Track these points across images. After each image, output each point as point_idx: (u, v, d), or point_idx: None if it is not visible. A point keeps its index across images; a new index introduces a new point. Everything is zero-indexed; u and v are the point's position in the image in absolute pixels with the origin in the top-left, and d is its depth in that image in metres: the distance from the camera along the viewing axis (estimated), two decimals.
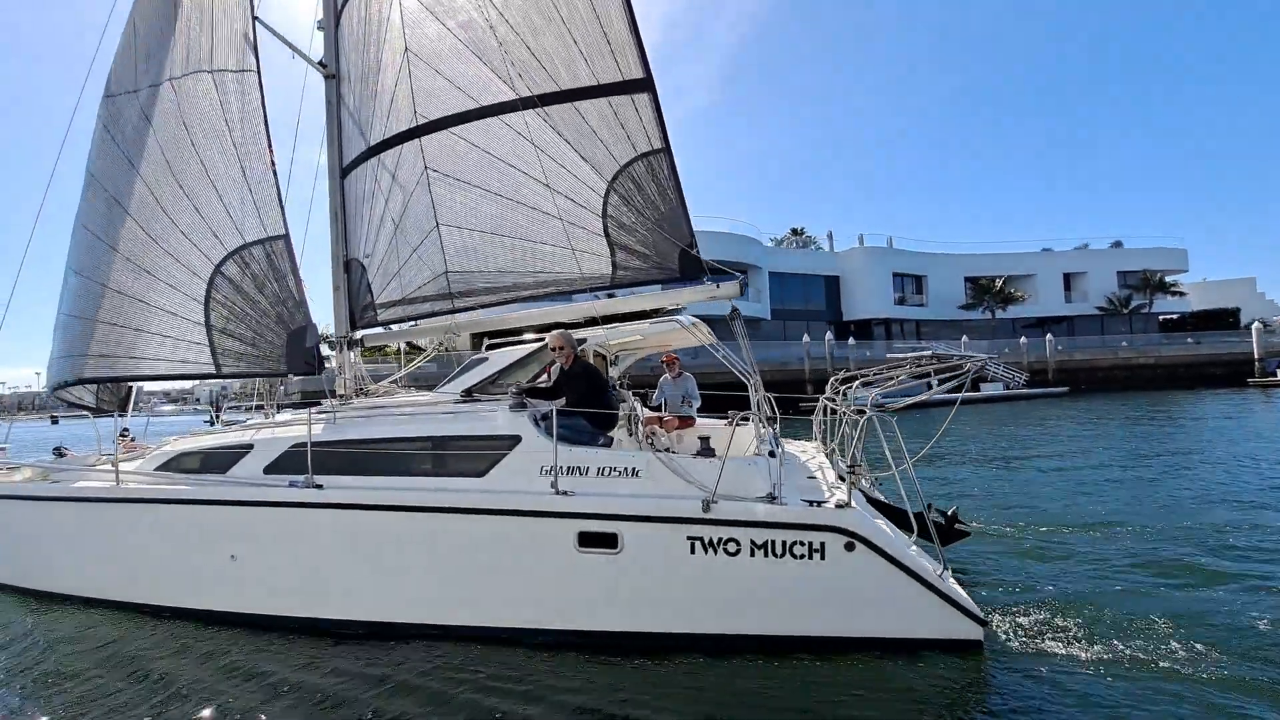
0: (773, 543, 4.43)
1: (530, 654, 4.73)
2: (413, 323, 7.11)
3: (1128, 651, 4.40)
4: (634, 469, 4.80)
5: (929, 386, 5.20)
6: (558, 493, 4.71)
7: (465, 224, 6.45)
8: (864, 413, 4.78)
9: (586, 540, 4.63)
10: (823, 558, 4.39)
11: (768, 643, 4.52)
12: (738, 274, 5.69)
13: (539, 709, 4.10)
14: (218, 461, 5.71)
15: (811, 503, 4.59)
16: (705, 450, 5.05)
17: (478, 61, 6.23)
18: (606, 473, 4.84)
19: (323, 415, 6.05)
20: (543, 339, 5.95)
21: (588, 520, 4.62)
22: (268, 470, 5.51)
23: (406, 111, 6.61)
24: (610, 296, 6.16)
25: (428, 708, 4.14)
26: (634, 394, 7.56)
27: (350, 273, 7.31)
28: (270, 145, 5.91)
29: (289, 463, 5.46)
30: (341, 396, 7.52)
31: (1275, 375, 34.58)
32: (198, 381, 6.49)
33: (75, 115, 6.81)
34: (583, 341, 5.98)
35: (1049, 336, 37.40)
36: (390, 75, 6.70)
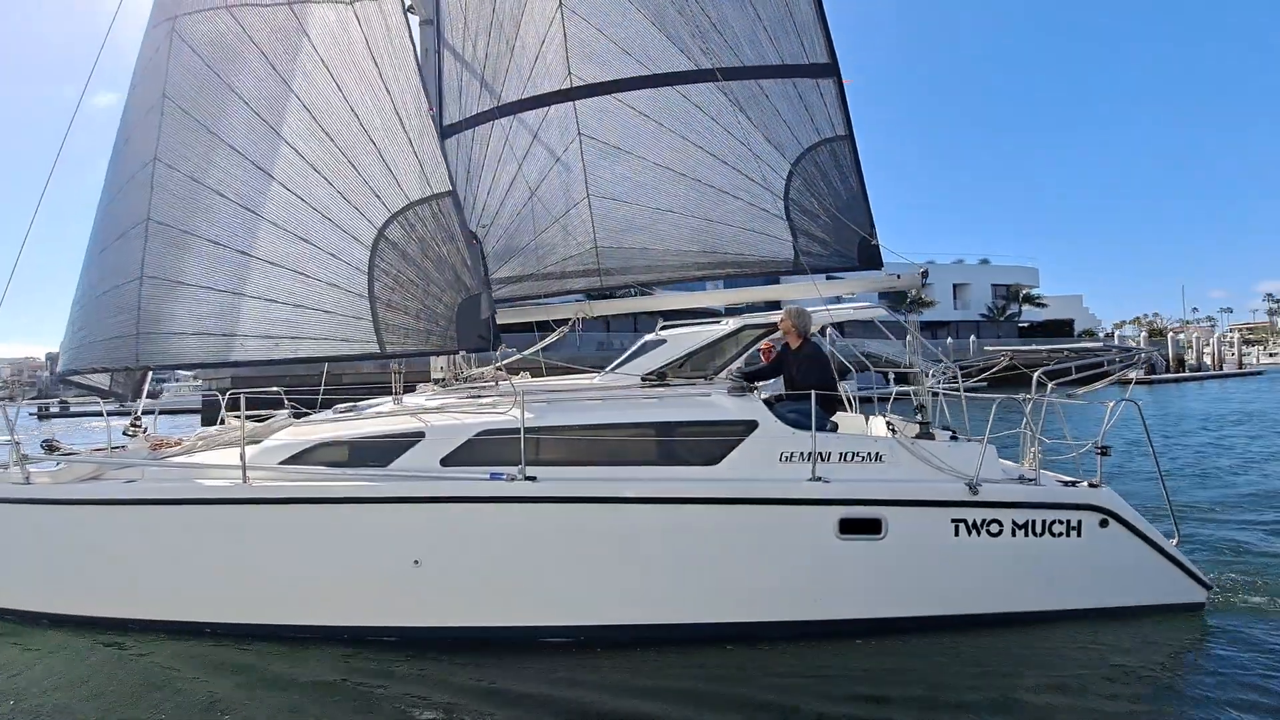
0: (1033, 522, 4.62)
1: (770, 647, 4.61)
2: (540, 300, 6.59)
3: None
4: (877, 453, 4.79)
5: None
6: (815, 479, 4.61)
7: (624, 197, 6.10)
8: (1070, 396, 5.11)
9: (848, 527, 4.56)
10: (1079, 535, 4.65)
11: (1020, 619, 4.74)
12: (920, 265, 5.84)
13: (808, 699, 4.05)
14: (375, 453, 4.92)
15: (1066, 483, 4.84)
16: (924, 433, 5.13)
17: (650, 25, 5.89)
18: (849, 457, 4.78)
19: (477, 400, 5.49)
20: (716, 320, 5.76)
21: (850, 506, 4.56)
22: (446, 462, 4.82)
23: (557, 70, 6.12)
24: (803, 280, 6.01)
25: None
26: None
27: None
28: (425, 87, 5.17)
29: (475, 453, 4.81)
30: (438, 381, 6.85)
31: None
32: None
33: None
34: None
35: (973, 338, 41.48)
36: (536, 28, 6.16)
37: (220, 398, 6.99)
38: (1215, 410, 22.63)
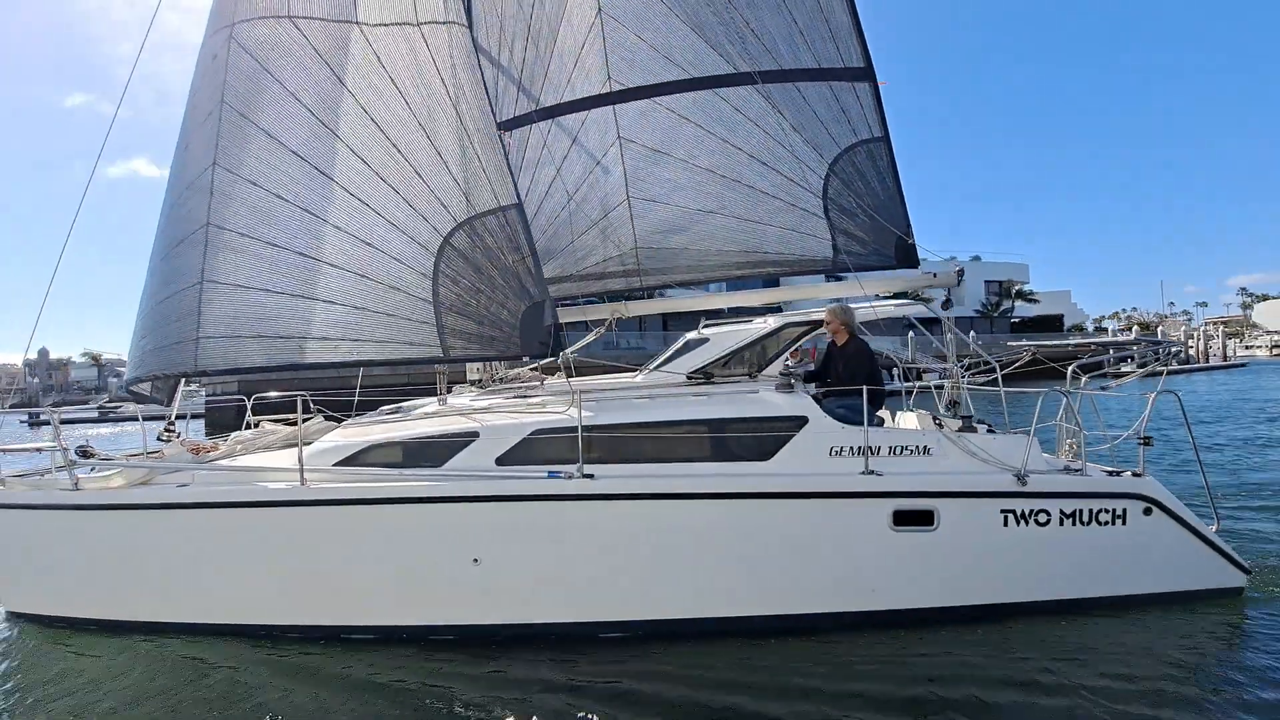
0: (1080, 511, 4.77)
1: (826, 638, 4.71)
2: (574, 301, 6.69)
3: None
4: (925, 447, 4.90)
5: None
6: (868, 472, 4.74)
7: (665, 199, 6.21)
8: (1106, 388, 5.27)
9: (902, 519, 4.68)
10: (1124, 523, 4.80)
11: (1067, 606, 4.87)
12: (956, 265, 5.98)
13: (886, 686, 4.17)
14: (430, 453, 4.95)
15: (1110, 472, 4.99)
16: (967, 427, 5.26)
17: (690, 31, 6.00)
18: (898, 451, 4.87)
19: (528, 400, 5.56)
20: (748, 320, 5.86)
21: (904, 499, 4.68)
22: (501, 461, 4.86)
23: (597, 75, 6.22)
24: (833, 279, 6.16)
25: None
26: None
27: None
28: (492, 106, 5.27)
29: (529, 452, 4.86)
30: (475, 383, 6.93)
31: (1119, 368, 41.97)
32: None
33: None
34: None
35: (972, 333, 42.08)
36: (575, 34, 6.26)
37: (246, 401, 7.00)
38: (1217, 401, 23.10)
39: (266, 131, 4.94)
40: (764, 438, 4.92)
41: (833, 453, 4.88)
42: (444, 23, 5.14)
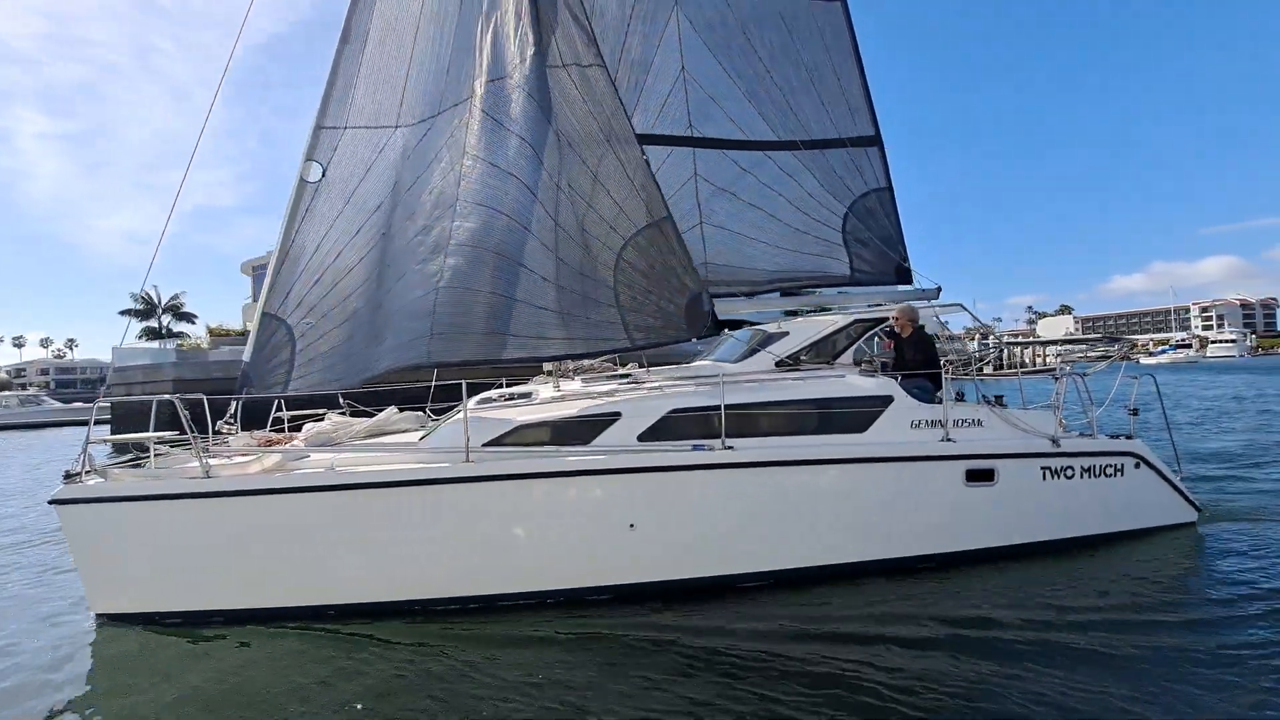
0: (1093, 467, 6.20)
1: (914, 577, 5.69)
2: None
3: None
4: (978, 419, 6.16)
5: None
6: (946, 440, 5.95)
7: (728, 226, 7.93)
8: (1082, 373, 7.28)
9: (972, 477, 5.87)
10: (1121, 475, 6.27)
11: (1082, 542, 6.22)
12: (937, 285, 8.15)
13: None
14: (577, 432, 5.53)
15: (1112, 436, 6.53)
16: (998, 403, 6.54)
17: (749, 105, 7.80)
18: (960, 423, 6.03)
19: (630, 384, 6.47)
20: (790, 316, 7.65)
21: (973, 460, 5.87)
22: (642, 437, 5.49)
23: (679, 118, 7.80)
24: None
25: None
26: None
27: None
28: (634, 133, 6.29)
29: (667, 429, 5.55)
30: (549, 371, 7.96)
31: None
32: None
33: None
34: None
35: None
36: (663, 81, 7.78)
37: (222, 400, 6.45)
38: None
39: (499, 166, 5.96)
40: (859, 414, 5.92)
41: (913, 425, 5.97)
42: (585, 65, 6.23)
